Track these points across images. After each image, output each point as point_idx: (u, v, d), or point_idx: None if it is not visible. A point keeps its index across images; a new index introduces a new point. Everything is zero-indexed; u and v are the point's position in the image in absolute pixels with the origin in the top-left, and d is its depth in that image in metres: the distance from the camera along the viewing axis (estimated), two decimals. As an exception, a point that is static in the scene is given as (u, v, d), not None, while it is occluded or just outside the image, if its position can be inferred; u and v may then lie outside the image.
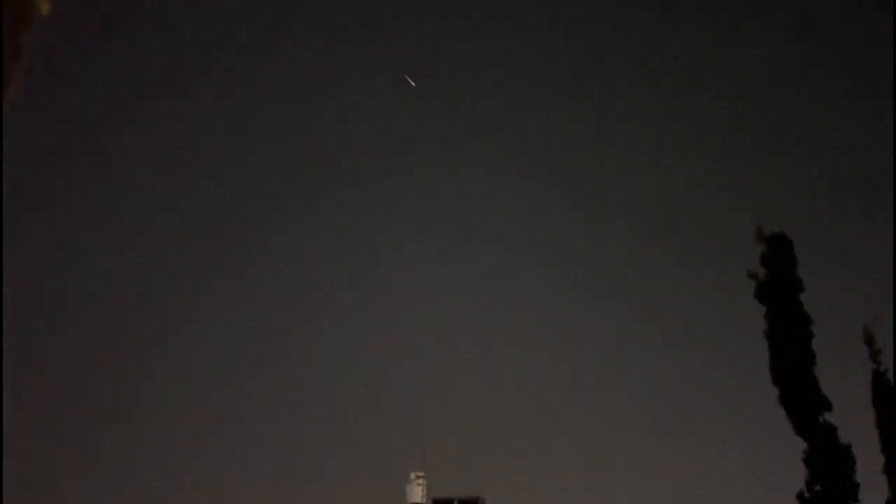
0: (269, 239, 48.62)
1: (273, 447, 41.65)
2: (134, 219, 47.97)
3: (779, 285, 26.56)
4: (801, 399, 25.03)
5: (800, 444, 24.86)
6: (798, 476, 24.85)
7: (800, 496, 24.61)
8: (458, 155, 48.61)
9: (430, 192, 50.44)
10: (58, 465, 39.98)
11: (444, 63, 51.23)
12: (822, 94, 48.42)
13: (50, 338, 43.66)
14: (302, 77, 52.53)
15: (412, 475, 31.44)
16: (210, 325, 46.16)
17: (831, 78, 48.26)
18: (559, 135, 50.01)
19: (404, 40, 50.42)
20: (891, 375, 27.20)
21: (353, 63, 50.73)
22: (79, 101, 49.63)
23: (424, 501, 31.30)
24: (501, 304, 47.95)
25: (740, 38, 49.42)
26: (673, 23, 49.89)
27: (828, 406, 24.98)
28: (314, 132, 50.65)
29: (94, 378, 43.55)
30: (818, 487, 24.49)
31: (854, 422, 26.53)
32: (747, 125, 49.03)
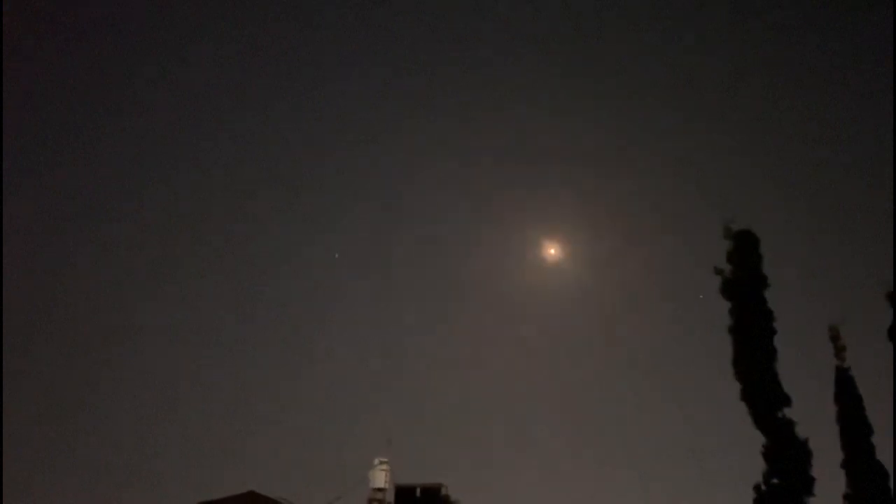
0: (258, 238, 48.49)
1: (256, 442, 41.59)
2: (126, 218, 47.49)
3: (744, 282, 26.81)
4: (762, 394, 25.30)
5: (759, 438, 25.23)
6: (756, 469, 25.22)
7: (757, 489, 24.94)
8: (454, 154, 48.55)
9: (399, 184, 50.36)
10: (56, 465, 39.70)
11: (443, 62, 50.90)
12: (795, 91, 48.51)
13: (43, 338, 43.22)
14: (298, 75, 52.07)
15: (376, 461, 31.45)
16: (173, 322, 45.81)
17: (809, 75, 48.45)
18: (550, 134, 49.84)
19: (403, 39, 50.06)
20: (853, 372, 27.56)
21: (352, 62, 50.33)
22: (69, 96, 48.82)
23: (387, 487, 31.36)
24: (467, 294, 48.02)
25: (727, 37, 49.46)
26: (657, 21, 49.87)
27: (787, 402, 25.29)
28: (312, 131, 50.25)
29: (92, 378, 43.24)
30: (775, 480, 24.81)
31: (813, 417, 26.89)
32: (713, 121, 48.97)
